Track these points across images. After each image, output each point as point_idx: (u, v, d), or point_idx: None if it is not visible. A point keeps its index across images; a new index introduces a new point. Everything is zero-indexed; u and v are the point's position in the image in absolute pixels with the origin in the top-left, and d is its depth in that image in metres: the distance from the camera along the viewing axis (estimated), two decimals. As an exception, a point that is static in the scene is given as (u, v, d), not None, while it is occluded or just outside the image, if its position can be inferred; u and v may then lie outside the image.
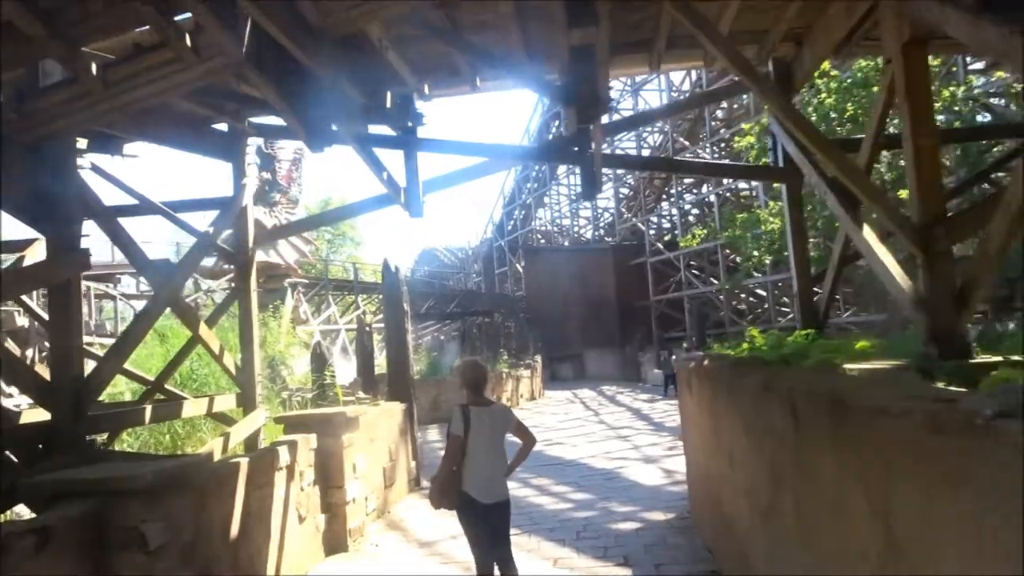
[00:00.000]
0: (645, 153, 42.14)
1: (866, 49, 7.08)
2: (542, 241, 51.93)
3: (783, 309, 31.51)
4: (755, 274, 29.36)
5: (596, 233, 47.93)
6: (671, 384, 27.51)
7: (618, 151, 42.67)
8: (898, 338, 5.28)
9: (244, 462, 5.61)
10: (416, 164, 7.72)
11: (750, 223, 18.11)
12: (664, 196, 41.69)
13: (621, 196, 44.54)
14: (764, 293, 34.27)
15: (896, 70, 4.55)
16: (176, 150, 7.73)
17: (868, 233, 5.29)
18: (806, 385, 3.24)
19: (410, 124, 7.29)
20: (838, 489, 2.78)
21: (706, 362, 6.10)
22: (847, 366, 4.53)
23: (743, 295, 34.92)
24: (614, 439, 15.17)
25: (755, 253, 17.53)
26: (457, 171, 8.01)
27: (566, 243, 50.13)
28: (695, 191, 39.48)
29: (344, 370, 21.86)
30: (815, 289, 7.53)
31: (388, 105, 7.10)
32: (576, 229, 50.68)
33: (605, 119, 7.42)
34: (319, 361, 13.64)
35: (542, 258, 45.14)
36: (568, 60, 5.35)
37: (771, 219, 17.94)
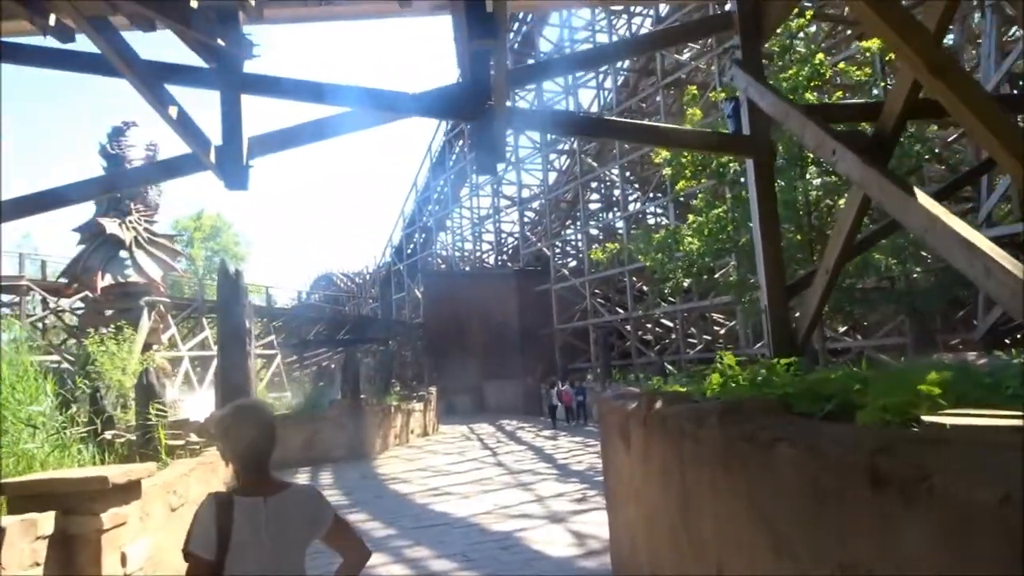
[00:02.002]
0: (552, 177, 40.76)
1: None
2: (443, 266, 49.62)
3: (691, 340, 30.32)
4: (671, 300, 28.03)
5: (499, 258, 46.05)
6: (558, 416, 27.01)
7: (523, 172, 41.07)
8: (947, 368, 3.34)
9: None
10: (239, 113, 5.34)
11: (667, 241, 16.46)
12: (570, 221, 40.31)
13: (526, 220, 42.87)
14: (671, 324, 33.10)
15: None
16: None
17: (927, 200, 3.26)
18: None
19: (221, 42, 4.90)
20: None
21: (658, 404, 3.95)
22: (929, 419, 2.50)
23: (649, 325, 33.65)
24: (514, 487, 12.89)
25: (671, 276, 15.87)
26: (304, 125, 5.63)
27: (467, 268, 48.00)
28: (601, 216, 38.26)
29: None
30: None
31: (195, 8, 4.71)
32: (479, 254, 48.69)
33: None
34: (145, 394, 10.77)
35: (441, 283, 42.79)
36: None
37: (690, 239, 16.32)
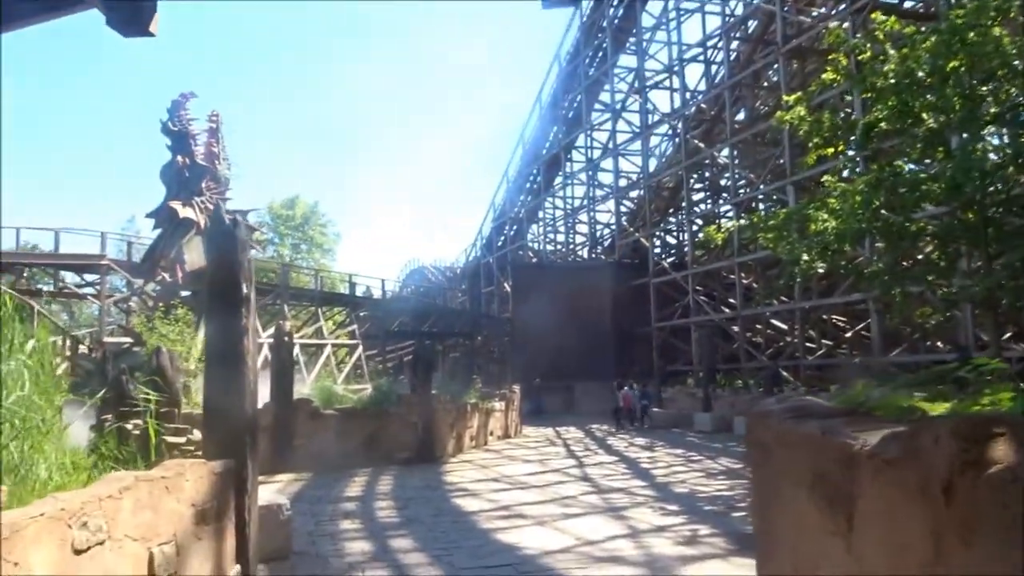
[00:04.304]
0: (653, 164, 37.73)
1: None
2: (533, 259, 47.32)
3: (807, 344, 26.79)
4: (784, 300, 24.77)
5: (594, 251, 43.29)
6: (622, 418, 26.09)
7: (621, 159, 38.31)
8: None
9: None
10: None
11: (795, 217, 13.50)
12: (671, 210, 37.20)
13: (623, 210, 39.98)
14: (783, 325, 29.68)
15: None
16: None
17: None
18: None
19: None
20: None
21: (999, 448, 1.42)
22: None
23: (759, 325, 30.27)
24: (601, 512, 10.39)
25: (804, 259, 12.95)
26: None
27: (558, 261, 45.51)
28: (706, 205, 34.99)
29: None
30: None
31: None
32: (571, 246, 46.12)
33: None
34: (155, 379, 8.91)
35: (531, 276, 40.41)
36: None
37: (825, 218, 13.33)
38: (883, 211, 13.19)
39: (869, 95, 13.42)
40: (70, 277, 31.77)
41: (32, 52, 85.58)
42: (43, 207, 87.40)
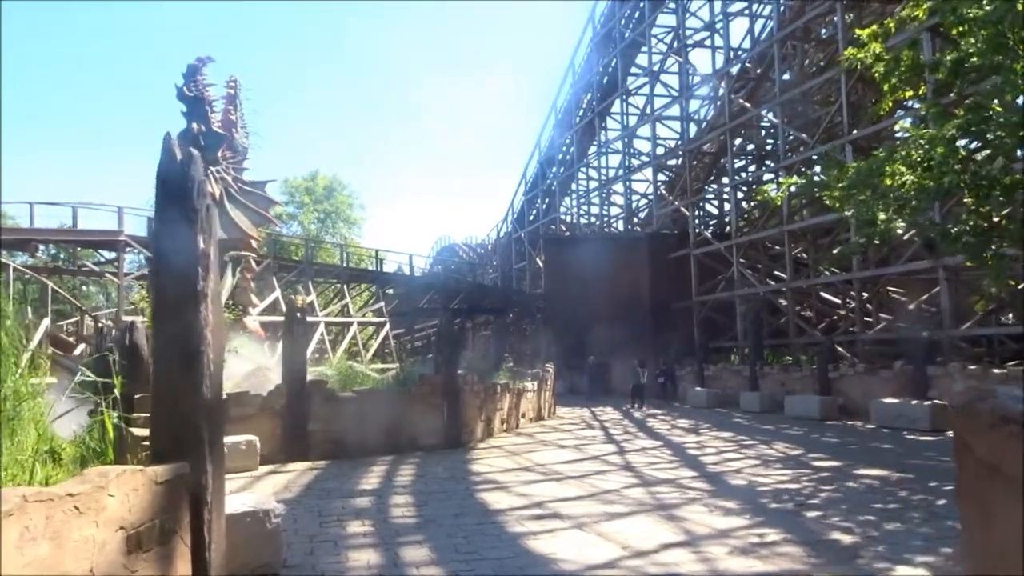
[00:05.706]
0: (692, 129, 35.79)
1: None
2: (566, 233, 45.65)
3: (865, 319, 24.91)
4: (834, 271, 22.94)
5: (630, 223, 41.44)
6: (639, 397, 25.69)
7: (659, 125, 36.44)
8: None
9: None
10: None
11: (867, 172, 11.79)
12: (713, 177, 35.24)
13: (661, 180, 38.07)
14: (836, 299, 27.80)
15: None
16: None
17: None
18: None
19: None
20: None
21: None
22: None
23: (809, 298, 28.41)
24: (649, 511, 8.95)
25: (881, 216, 11.26)
26: None
27: (592, 233, 43.76)
28: (750, 171, 32.98)
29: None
30: None
31: None
32: (607, 219, 44.35)
33: None
34: (131, 358, 7.64)
35: (564, 251, 38.77)
36: None
37: (903, 171, 11.62)
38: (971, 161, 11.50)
39: (959, 29, 11.65)
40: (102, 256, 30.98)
41: (58, 20, 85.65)
42: (63, 184, 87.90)
